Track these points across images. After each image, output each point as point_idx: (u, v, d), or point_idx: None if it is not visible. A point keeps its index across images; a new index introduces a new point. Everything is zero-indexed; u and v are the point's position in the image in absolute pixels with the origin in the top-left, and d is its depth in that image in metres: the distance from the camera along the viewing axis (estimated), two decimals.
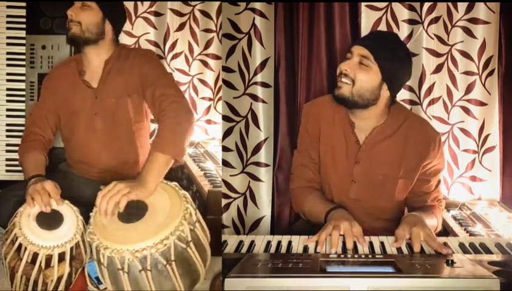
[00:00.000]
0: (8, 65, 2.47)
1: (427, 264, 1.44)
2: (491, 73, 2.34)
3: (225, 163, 2.34)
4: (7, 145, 2.47)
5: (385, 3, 2.33)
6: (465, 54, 2.35)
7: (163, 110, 1.83)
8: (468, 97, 2.37)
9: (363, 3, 2.32)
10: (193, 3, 2.59)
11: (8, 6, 2.45)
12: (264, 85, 2.34)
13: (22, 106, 2.48)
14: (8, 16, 2.45)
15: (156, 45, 2.60)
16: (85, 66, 2.02)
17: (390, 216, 1.96)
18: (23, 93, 2.49)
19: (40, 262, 1.60)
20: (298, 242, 1.73)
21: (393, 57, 1.81)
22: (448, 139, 2.38)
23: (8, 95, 2.48)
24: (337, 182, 1.94)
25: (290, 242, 1.73)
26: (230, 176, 2.36)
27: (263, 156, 2.36)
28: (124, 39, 2.54)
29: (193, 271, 1.66)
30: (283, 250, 1.69)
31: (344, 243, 1.67)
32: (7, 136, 2.48)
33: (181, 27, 2.60)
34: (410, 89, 2.37)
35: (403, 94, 2.32)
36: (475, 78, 2.35)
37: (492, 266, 1.46)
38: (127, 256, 1.55)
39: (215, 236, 1.77)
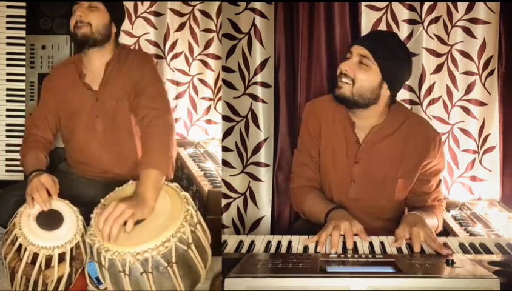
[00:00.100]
0: (8, 65, 2.47)
1: (427, 264, 1.44)
2: (491, 73, 2.34)
3: (225, 163, 2.34)
4: (7, 145, 2.47)
5: (385, 3, 2.33)
6: (465, 54, 2.35)
7: (147, 126, 1.84)
8: (468, 97, 2.37)
9: (363, 3, 2.32)
10: (193, 3, 2.59)
11: (8, 6, 2.45)
12: (264, 85, 2.34)
13: (22, 106, 2.48)
14: (8, 16, 2.45)
15: (156, 45, 2.60)
16: (86, 68, 2.02)
17: (390, 216, 1.96)
18: (23, 93, 2.49)
19: (41, 263, 1.60)
20: (298, 242, 1.73)
21: (393, 56, 1.82)
22: (447, 139, 2.38)
23: (8, 95, 2.47)
24: (337, 181, 1.94)
25: (290, 242, 1.73)
26: (230, 176, 2.36)
27: (263, 156, 2.36)
28: (124, 39, 2.54)
29: (194, 273, 1.66)
30: (283, 250, 1.69)
31: (344, 243, 1.67)
32: (7, 136, 2.48)
33: (181, 27, 2.60)
34: (411, 89, 2.37)
35: (403, 94, 2.32)
36: (475, 78, 2.35)
37: (492, 266, 1.46)
38: (128, 258, 1.55)
39: (215, 236, 1.77)
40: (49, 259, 1.61)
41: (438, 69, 2.36)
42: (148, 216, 1.64)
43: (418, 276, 1.33)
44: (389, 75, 1.81)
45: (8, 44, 2.46)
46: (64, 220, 1.68)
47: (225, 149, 2.35)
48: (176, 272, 1.59)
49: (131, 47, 2.55)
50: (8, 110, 2.48)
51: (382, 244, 1.71)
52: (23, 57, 2.48)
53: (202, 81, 2.65)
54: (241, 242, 1.75)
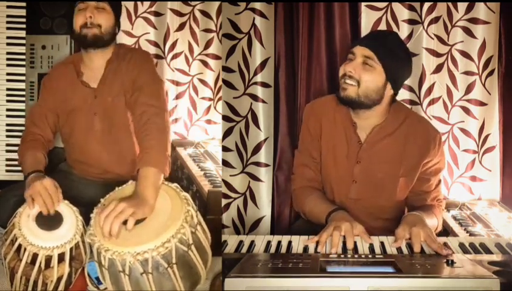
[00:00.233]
0: (8, 65, 2.47)
1: (427, 264, 1.44)
2: (491, 73, 2.34)
3: (225, 163, 2.34)
4: (7, 145, 2.47)
5: (385, 3, 2.33)
6: (465, 54, 2.35)
7: (145, 123, 1.84)
8: (468, 97, 2.37)
9: (363, 3, 2.32)
10: (193, 3, 2.59)
11: (8, 6, 2.45)
12: (264, 85, 2.34)
13: (22, 106, 2.48)
14: (8, 16, 2.45)
15: (156, 45, 2.60)
16: (85, 66, 2.02)
17: (390, 216, 1.96)
18: (23, 93, 2.49)
19: (40, 263, 1.60)
20: (298, 242, 1.73)
21: (395, 56, 1.82)
22: (448, 139, 2.38)
23: (8, 95, 2.48)
24: (338, 181, 1.94)
25: (290, 242, 1.73)
26: (230, 176, 2.36)
27: (263, 156, 2.36)
28: (124, 39, 2.54)
29: (194, 274, 1.66)
30: (283, 250, 1.69)
31: (344, 243, 1.67)
32: (7, 136, 2.48)
33: (181, 27, 2.60)
34: (411, 89, 2.37)
35: (403, 94, 2.32)
36: (475, 78, 2.35)
37: (492, 266, 1.46)
38: (128, 258, 1.55)
39: (215, 236, 1.77)
40: (49, 259, 1.61)
41: (438, 69, 2.36)
42: (148, 215, 1.64)
43: (418, 276, 1.33)
44: (392, 75, 1.82)
45: (8, 44, 2.46)
46: (64, 221, 1.68)
47: (225, 149, 2.35)
48: (176, 273, 1.59)
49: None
50: (8, 110, 2.48)
51: (382, 244, 1.71)
52: (23, 57, 2.48)
53: (202, 81, 2.65)
54: (241, 242, 1.75)
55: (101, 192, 1.79)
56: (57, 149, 2.15)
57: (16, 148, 2.12)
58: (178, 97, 2.64)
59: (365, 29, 2.32)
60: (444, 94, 2.37)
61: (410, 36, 2.34)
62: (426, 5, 2.31)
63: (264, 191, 2.37)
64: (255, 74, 2.33)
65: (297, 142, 2.08)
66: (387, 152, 1.89)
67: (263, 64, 2.33)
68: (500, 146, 2.37)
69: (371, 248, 1.68)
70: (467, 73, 2.36)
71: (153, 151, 1.77)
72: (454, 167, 2.40)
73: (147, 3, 2.57)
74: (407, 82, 2.24)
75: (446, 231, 2.10)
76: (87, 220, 1.70)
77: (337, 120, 1.93)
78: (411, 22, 2.34)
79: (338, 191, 1.94)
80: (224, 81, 2.35)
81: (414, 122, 1.93)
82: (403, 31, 2.33)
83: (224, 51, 2.34)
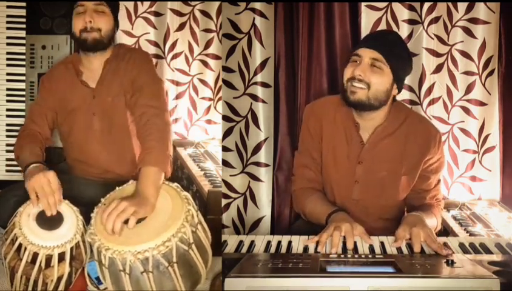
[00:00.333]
0: (8, 65, 2.47)
1: (427, 264, 1.44)
2: (491, 73, 2.34)
3: (225, 163, 2.34)
4: (7, 145, 2.47)
5: (385, 3, 2.33)
6: (465, 54, 2.35)
7: (145, 124, 1.85)
8: (468, 97, 2.37)
9: (363, 3, 2.32)
10: (193, 3, 2.59)
11: (8, 6, 2.45)
12: (264, 85, 2.34)
13: (22, 106, 2.48)
14: (8, 16, 2.45)
15: (156, 45, 2.60)
16: (84, 66, 2.02)
17: (391, 216, 1.97)
18: (23, 93, 2.49)
19: (40, 262, 1.60)
20: (298, 242, 1.73)
21: (400, 56, 1.85)
22: (448, 139, 2.38)
23: (8, 95, 2.48)
24: (339, 182, 1.94)
25: (290, 242, 1.73)
26: (230, 176, 2.36)
27: (263, 156, 2.36)
28: (124, 39, 2.54)
29: (195, 273, 1.67)
30: (283, 250, 1.69)
31: (344, 243, 1.67)
32: (7, 136, 2.48)
33: (181, 27, 2.60)
34: (411, 89, 2.37)
35: (403, 94, 2.31)
36: (475, 78, 2.35)
37: (492, 266, 1.46)
38: (128, 257, 1.55)
39: (215, 236, 1.77)
40: (49, 259, 1.61)
41: (438, 69, 2.36)
42: (149, 214, 1.64)
43: (418, 276, 1.33)
44: (399, 75, 1.84)
45: (8, 44, 2.46)
46: (64, 220, 1.68)
47: (225, 149, 2.35)
48: (176, 272, 1.60)
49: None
50: (8, 110, 2.48)
51: (382, 244, 1.71)
52: (23, 57, 2.48)
53: (202, 81, 2.65)
54: (241, 242, 1.75)
55: (101, 192, 1.79)
56: (57, 149, 2.15)
57: None
58: (178, 97, 2.64)
59: (365, 29, 2.32)
60: (444, 94, 2.37)
61: (410, 36, 2.34)
62: (426, 5, 2.31)
63: (264, 191, 2.37)
64: (255, 74, 2.33)
65: (297, 143, 2.08)
66: (389, 151, 1.89)
67: (263, 64, 2.33)
68: (500, 146, 2.37)
69: (371, 248, 1.69)
70: (467, 73, 2.36)
71: (154, 151, 1.77)
72: (454, 167, 2.40)
73: (147, 3, 2.57)
74: (407, 82, 2.24)
75: (446, 231, 2.10)
76: (87, 220, 1.70)
77: (338, 121, 1.93)
78: (411, 22, 2.34)
79: (339, 192, 1.94)
80: (224, 81, 2.35)
81: (414, 121, 1.93)
82: (403, 31, 2.33)
83: (224, 51, 2.34)
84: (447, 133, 2.38)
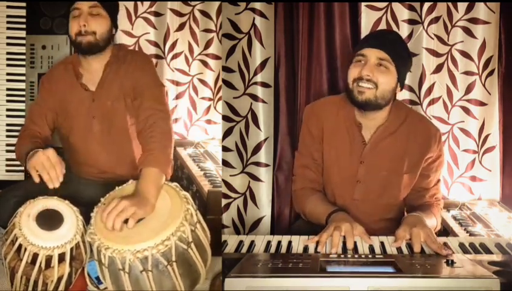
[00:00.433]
0: (8, 65, 2.47)
1: (427, 264, 1.44)
2: (491, 73, 2.34)
3: (225, 163, 2.34)
4: (7, 145, 2.47)
5: (385, 3, 2.33)
6: (465, 54, 2.35)
7: (150, 126, 1.84)
8: (468, 97, 2.37)
9: (363, 3, 2.32)
10: (193, 3, 2.59)
11: (8, 7, 2.45)
12: (264, 85, 2.34)
13: (22, 106, 2.48)
14: (8, 16, 2.45)
15: (156, 45, 2.60)
16: (84, 68, 2.01)
17: (392, 216, 1.97)
18: (23, 93, 2.49)
19: (40, 263, 1.60)
20: (298, 242, 1.73)
21: (403, 55, 1.87)
22: (448, 139, 2.38)
23: (8, 95, 2.48)
24: (340, 183, 1.95)
25: (290, 242, 1.74)
26: (230, 176, 2.35)
27: (263, 156, 2.35)
28: (124, 39, 2.54)
29: (194, 272, 1.66)
30: (283, 250, 1.69)
31: (344, 243, 1.67)
32: (7, 136, 2.48)
33: (181, 27, 2.60)
34: (411, 89, 2.37)
35: (403, 94, 2.32)
36: (475, 78, 2.35)
37: (492, 266, 1.46)
38: (128, 256, 1.55)
39: (215, 236, 1.77)
40: (49, 259, 1.61)
41: (438, 69, 2.36)
42: (149, 214, 1.64)
43: (418, 276, 1.33)
44: (402, 74, 1.86)
45: (8, 44, 2.46)
46: (64, 221, 1.67)
47: (225, 149, 2.34)
48: (176, 271, 1.60)
49: (131, 47, 2.55)
50: (8, 110, 2.48)
51: (382, 244, 1.71)
52: (23, 57, 2.48)
53: (202, 81, 2.65)
54: (241, 242, 1.75)
55: (100, 192, 1.79)
56: (57, 149, 2.15)
57: None
58: (178, 97, 2.64)
59: (365, 29, 2.32)
60: (444, 94, 2.37)
61: (410, 36, 2.34)
62: (426, 5, 2.31)
63: (264, 191, 2.36)
64: (255, 74, 2.33)
65: (297, 143, 2.08)
66: (391, 151, 1.90)
67: (263, 64, 2.33)
68: (500, 146, 2.37)
69: (371, 248, 1.69)
70: (467, 73, 2.36)
71: (156, 152, 1.77)
72: (454, 167, 2.40)
73: (147, 3, 2.57)
74: (407, 82, 2.24)
75: (446, 231, 2.10)
76: (87, 220, 1.70)
77: (340, 121, 1.93)
78: (411, 22, 2.34)
79: (341, 192, 1.95)
80: (224, 81, 2.35)
81: (414, 121, 1.95)
82: (403, 31, 2.33)
83: (224, 51, 2.34)
84: (447, 133, 2.38)
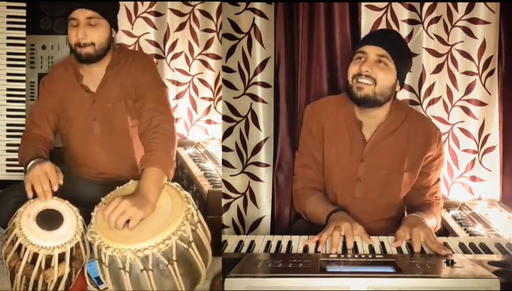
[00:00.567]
0: (8, 65, 2.47)
1: (427, 264, 1.44)
2: (491, 73, 2.34)
3: (225, 163, 2.34)
4: (7, 145, 2.47)
5: (385, 3, 2.33)
6: (465, 54, 2.35)
7: (155, 127, 1.84)
8: (468, 97, 2.37)
9: (363, 3, 2.32)
10: (193, 3, 2.59)
11: (8, 7, 2.45)
12: (264, 85, 2.34)
13: (22, 106, 2.48)
14: (8, 16, 2.45)
15: (156, 45, 2.60)
16: (84, 70, 2.00)
17: (392, 215, 1.98)
18: (23, 93, 2.49)
19: (40, 263, 1.60)
20: (298, 242, 1.73)
21: (403, 53, 1.88)
22: (448, 139, 2.38)
23: (8, 95, 2.48)
24: (341, 182, 1.95)
25: (290, 242, 1.74)
26: (230, 176, 2.35)
27: (263, 156, 2.35)
28: (124, 39, 2.54)
29: (194, 271, 1.67)
30: (283, 250, 1.69)
31: (344, 243, 1.67)
32: (7, 136, 2.48)
33: (181, 27, 2.60)
34: (411, 89, 2.37)
35: (403, 94, 2.32)
36: (475, 78, 2.35)
37: (492, 266, 1.46)
38: (128, 255, 1.55)
39: (215, 236, 1.77)
40: (49, 259, 1.61)
41: (438, 69, 2.36)
42: (149, 214, 1.64)
43: (418, 276, 1.33)
44: (401, 72, 1.87)
45: (8, 44, 2.47)
46: (64, 220, 1.68)
47: (225, 149, 2.34)
48: (176, 270, 1.60)
49: (131, 47, 2.55)
50: (8, 110, 2.48)
51: (382, 244, 1.71)
52: (23, 57, 2.48)
53: (202, 81, 2.65)
54: (241, 242, 1.75)
55: (101, 192, 1.79)
56: (57, 149, 2.15)
57: (16, 148, 2.12)
58: (178, 97, 2.64)
59: (365, 29, 2.32)
60: (444, 94, 2.38)
61: (410, 36, 2.34)
62: (426, 5, 2.31)
63: (264, 191, 2.36)
64: (255, 74, 2.33)
65: (297, 143, 2.08)
66: (391, 149, 1.91)
67: (263, 64, 2.33)
68: (500, 146, 2.37)
69: (371, 248, 1.69)
70: (467, 73, 2.36)
71: (159, 153, 1.77)
72: (454, 167, 2.40)
73: (147, 3, 2.57)
74: (407, 82, 2.24)
75: (446, 231, 2.10)
76: (87, 220, 1.70)
77: (340, 120, 1.94)
78: (411, 22, 2.34)
79: (341, 191, 1.95)
80: (224, 81, 2.35)
81: (414, 119, 1.96)
82: (403, 31, 2.33)
83: (224, 51, 2.34)
84: (447, 133, 2.38)
